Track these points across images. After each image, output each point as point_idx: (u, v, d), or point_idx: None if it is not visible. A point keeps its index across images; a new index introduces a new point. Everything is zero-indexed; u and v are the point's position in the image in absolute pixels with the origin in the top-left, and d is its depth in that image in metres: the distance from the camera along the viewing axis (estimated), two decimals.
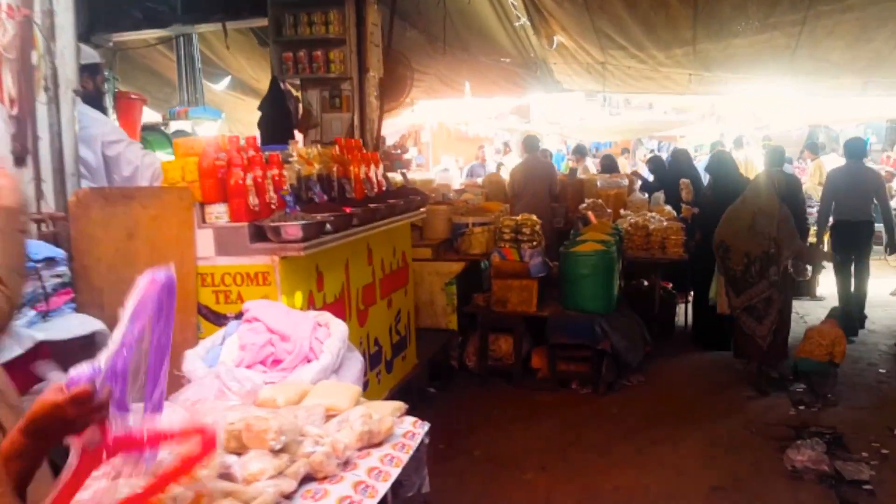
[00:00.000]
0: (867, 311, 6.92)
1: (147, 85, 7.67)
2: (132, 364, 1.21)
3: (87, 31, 5.68)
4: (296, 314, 2.63)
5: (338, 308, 3.41)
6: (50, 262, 2.66)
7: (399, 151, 13.77)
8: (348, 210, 3.26)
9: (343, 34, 5.29)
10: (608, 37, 7.42)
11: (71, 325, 2.52)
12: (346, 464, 1.80)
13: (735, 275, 5.25)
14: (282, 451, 1.70)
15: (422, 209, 4.40)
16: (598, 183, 8.14)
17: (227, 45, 6.45)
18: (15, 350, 2.11)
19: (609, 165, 9.68)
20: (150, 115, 6.97)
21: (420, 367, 4.68)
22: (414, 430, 2.05)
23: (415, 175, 9.05)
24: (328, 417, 2.02)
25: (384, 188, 4.11)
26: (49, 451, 1.23)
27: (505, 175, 9.35)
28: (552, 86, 9.76)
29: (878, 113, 11.81)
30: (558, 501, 3.78)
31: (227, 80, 8.36)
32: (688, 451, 4.32)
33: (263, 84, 6.32)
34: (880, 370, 5.75)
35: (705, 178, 7.68)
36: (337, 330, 2.56)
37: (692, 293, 6.89)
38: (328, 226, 3.08)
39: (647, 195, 7.78)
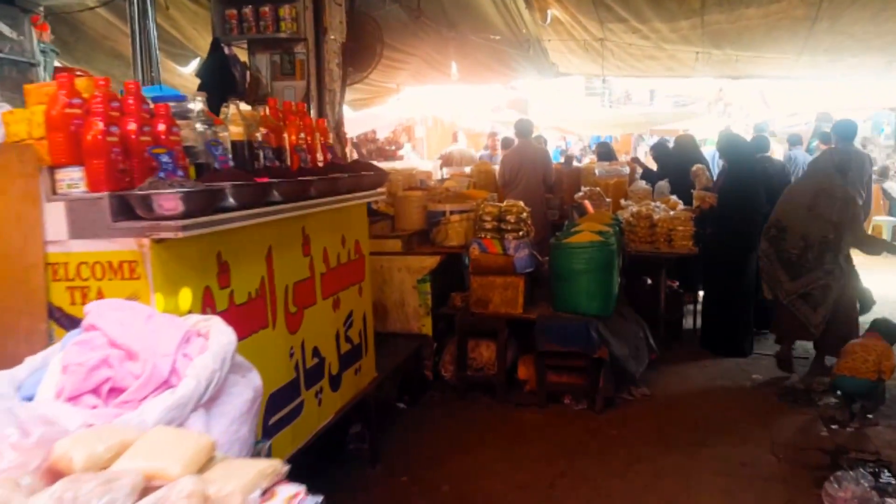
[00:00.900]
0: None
1: (101, 63, 6.93)
2: None
3: None
4: (160, 320, 1.83)
5: (254, 310, 2.63)
6: None
7: (393, 147, 13.11)
8: (263, 180, 2.46)
9: None
10: (607, 7, 6.83)
11: None
12: None
13: (790, 258, 4.98)
14: None
15: (379, 188, 3.60)
16: (596, 171, 7.51)
17: (166, 6, 5.64)
18: None
19: (605, 153, 8.90)
20: None
21: (380, 380, 3.90)
22: None
23: (395, 164, 8.36)
24: (148, 491, 1.24)
25: (330, 162, 3.32)
26: None
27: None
28: (547, 69, 9.13)
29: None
30: None
31: (195, 63, 7.60)
32: (703, 486, 3.62)
33: None
34: None
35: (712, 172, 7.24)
36: (216, 342, 1.77)
37: (701, 293, 6.25)
38: (230, 199, 2.29)
39: (649, 185, 7.08)
